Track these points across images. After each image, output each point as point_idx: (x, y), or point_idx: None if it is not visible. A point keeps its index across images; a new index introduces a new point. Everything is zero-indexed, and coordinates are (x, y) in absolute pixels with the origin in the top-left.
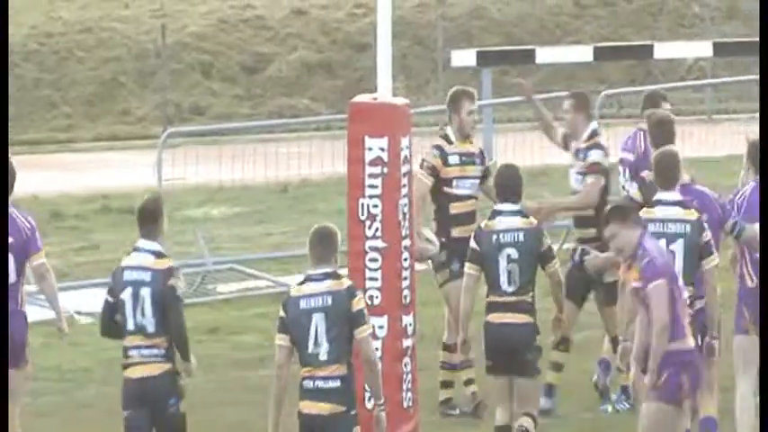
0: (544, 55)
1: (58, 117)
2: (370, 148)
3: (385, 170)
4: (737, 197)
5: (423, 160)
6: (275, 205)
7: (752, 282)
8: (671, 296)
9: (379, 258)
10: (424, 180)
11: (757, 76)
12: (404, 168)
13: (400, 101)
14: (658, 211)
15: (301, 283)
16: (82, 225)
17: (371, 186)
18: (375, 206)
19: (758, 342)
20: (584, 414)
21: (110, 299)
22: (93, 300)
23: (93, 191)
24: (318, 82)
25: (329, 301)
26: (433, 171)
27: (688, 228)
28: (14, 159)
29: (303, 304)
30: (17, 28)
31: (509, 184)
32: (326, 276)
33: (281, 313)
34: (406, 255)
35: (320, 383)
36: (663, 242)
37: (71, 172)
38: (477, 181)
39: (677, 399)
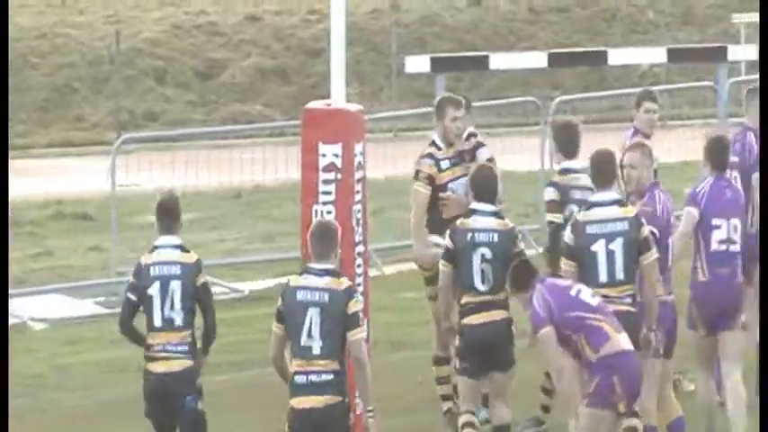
0: (498, 61)
1: (13, 123)
2: (323, 155)
3: (339, 176)
4: (699, 191)
5: (417, 171)
6: (229, 211)
7: (703, 276)
8: (565, 332)
9: None
10: (423, 191)
11: (711, 83)
12: (357, 174)
13: (354, 107)
14: (597, 213)
15: (301, 273)
16: (38, 231)
17: (325, 193)
18: (329, 212)
19: (707, 338)
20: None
21: (132, 297)
22: (47, 306)
23: (49, 197)
24: (272, 88)
25: (326, 299)
26: (431, 180)
27: (626, 225)
28: None
29: (300, 296)
30: None
31: (484, 185)
32: (326, 273)
33: (279, 302)
34: (359, 261)
35: (314, 378)
36: (602, 242)
37: (27, 178)
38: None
39: (610, 402)
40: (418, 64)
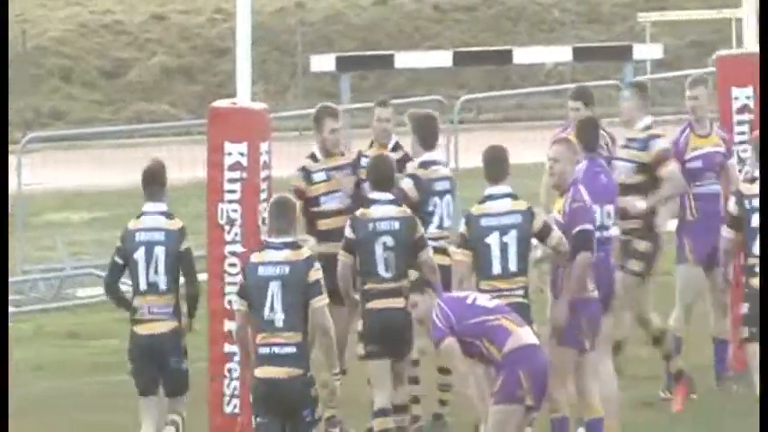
0: (403, 60)
1: None
2: (229, 153)
3: (244, 175)
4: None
5: (291, 185)
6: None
7: (692, 216)
8: (468, 340)
9: (238, 263)
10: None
11: (617, 81)
12: (263, 173)
13: (260, 106)
14: (490, 206)
15: (261, 249)
16: None
17: (231, 191)
18: (234, 211)
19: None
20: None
21: (118, 260)
22: None
23: None
24: (178, 87)
25: (286, 271)
26: (299, 194)
27: (519, 218)
28: None
29: (261, 271)
30: None
31: (381, 173)
32: (285, 246)
33: (240, 278)
34: None
35: (276, 350)
36: (496, 234)
37: None
38: (349, 191)
39: (517, 397)
40: (323, 63)
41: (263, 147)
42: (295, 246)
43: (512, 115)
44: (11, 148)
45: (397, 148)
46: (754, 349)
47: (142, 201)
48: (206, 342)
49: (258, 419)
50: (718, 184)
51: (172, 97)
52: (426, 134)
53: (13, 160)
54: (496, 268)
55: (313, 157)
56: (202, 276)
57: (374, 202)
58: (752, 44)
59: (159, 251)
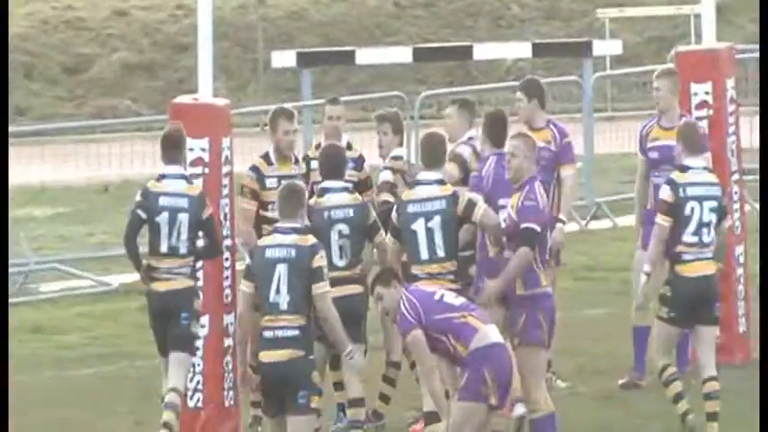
0: (364, 56)
1: None
2: (191, 149)
3: (206, 170)
4: (483, 175)
5: (242, 186)
6: (97, 205)
7: (651, 205)
8: (434, 335)
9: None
10: (248, 207)
11: (576, 77)
12: (225, 169)
13: (221, 101)
14: (419, 191)
15: (269, 233)
16: None
17: None
18: None
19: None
20: None
21: (142, 215)
22: None
23: None
24: (139, 83)
25: (293, 254)
26: (255, 195)
27: (444, 203)
28: None
29: (268, 253)
30: None
31: (333, 162)
32: (293, 231)
33: (248, 260)
34: (227, 254)
35: (279, 333)
36: (422, 221)
37: None
38: None
39: (481, 395)
40: (284, 59)
41: (225, 142)
42: (302, 231)
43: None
44: None
45: (349, 147)
46: (667, 331)
47: (103, 197)
48: None
49: (263, 403)
50: None
51: (133, 93)
52: (400, 131)
53: None
54: (424, 254)
55: (266, 157)
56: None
57: (327, 190)
58: (710, 40)
59: (183, 218)
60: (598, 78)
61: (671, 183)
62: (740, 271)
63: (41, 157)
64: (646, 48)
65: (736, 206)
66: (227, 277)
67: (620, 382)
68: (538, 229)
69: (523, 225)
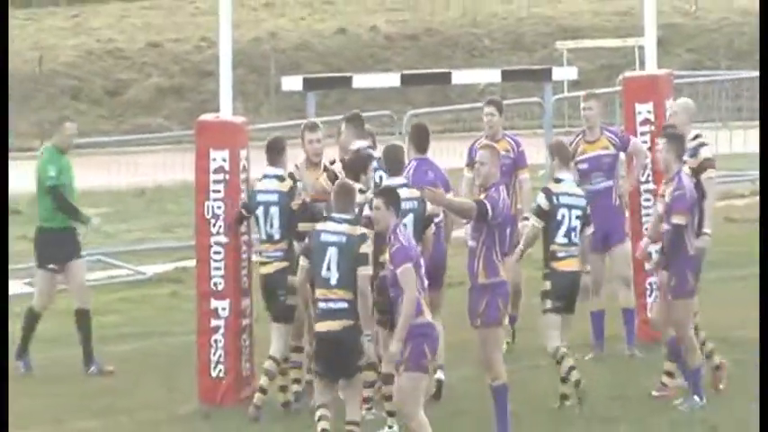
0: (359, 81)
1: None
2: (214, 159)
3: (226, 177)
4: (405, 174)
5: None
6: (134, 207)
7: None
8: (399, 287)
9: (222, 251)
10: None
11: (538, 99)
12: (242, 175)
13: (239, 119)
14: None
15: (326, 220)
16: None
17: (215, 191)
18: (218, 207)
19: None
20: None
21: (244, 213)
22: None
23: None
24: (170, 103)
25: (343, 240)
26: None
27: (415, 204)
28: None
29: (323, 237)
30: None
31: (272, 150)
32: (345, 221)
33: (307, 241)
34: (244, 248)
35: (332, 305)
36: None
37: None
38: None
39: (423, 367)
40: (292, 83)
41: (242, 153)
42: (353, 222)
43: (450, 127)
44: (30, 155)
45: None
46: (553, 320)
47: (140, 200)
48: (195, 318)
49: (318, 371)
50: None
51: (165, 112)
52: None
53: (33, 165)
54: (365, 247)
55: (300, 164)
56: (190, 263)
57: (265, 176)
58: (652, 67)
59: (274, 210)
60: (557, 100)
61: (547, 191)
62: None
63: (87, 166)
64: (598, 74)
65: None
66: (244, 267)
67: (587, 357)
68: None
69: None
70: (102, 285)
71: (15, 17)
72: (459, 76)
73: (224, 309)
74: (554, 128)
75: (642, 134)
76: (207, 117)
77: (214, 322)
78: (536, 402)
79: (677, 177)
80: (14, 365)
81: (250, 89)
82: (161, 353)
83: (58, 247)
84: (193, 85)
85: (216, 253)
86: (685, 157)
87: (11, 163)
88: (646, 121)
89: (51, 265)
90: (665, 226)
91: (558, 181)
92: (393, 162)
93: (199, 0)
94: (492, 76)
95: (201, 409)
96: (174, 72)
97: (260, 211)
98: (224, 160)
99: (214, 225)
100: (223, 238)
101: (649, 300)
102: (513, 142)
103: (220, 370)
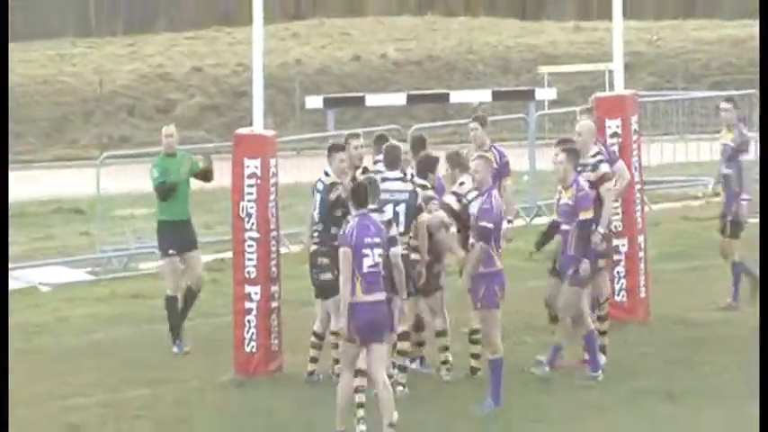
0: (372, 100)
1: (24, 145)
2: (248, 166)
3: (259, 182)
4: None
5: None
6: None
7: None
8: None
9: (255, 244)
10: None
11: (523, 115)
12: (272, 180)
13: (269, 132)
14: (387, 185)
15: (383, 180)
16: (44, 222)
17: (249, 194)
18: (252, 207)
19: None
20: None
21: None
22: (51, 274)
23: (52, 197)
24: (211, 119)
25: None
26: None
27: (407, 195)
28: None
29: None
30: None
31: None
32: (396, 179)
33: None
34: (273, 242)
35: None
36: (390, 206)
37: (36, 184)
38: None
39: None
40: (315, 102)
41: (272, 162)
42: (402, 179)
43: (449, 140)
44: (92, 163)
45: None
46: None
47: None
48: (231, 301)
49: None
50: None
51: (206, 126)
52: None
53: (93, 172)
54: (393, 230)
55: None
56: (228, 255)
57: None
58: (620, 88)
59: (400, 209)
60: (539, 116)
61: (457, 196)
62: (641, 254)
63: (140, 173)
64: (574, 94)
65: (638, 207)
66: (273, 258)
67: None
68: (491, 226)
69: (480, 224)
70: (154, 273)
71: (78, 45)
72: (457, 96)
73: (256, 293)
74: (537, 140)
75: (611, 145)
76: (242, 131)
77: (248, 305)
78: (521, 374)
79: (575, 183)
80: (171, 350)
81: (279, 107)
82: (202, 331)
83: (175, 236)
84: (230, 103)
85: (249, 246)
86: (587, 172)
87: (75, 170)
88: (614, 134)
89: (171, 251)
90: (566, 227)
91: (461, 184)
92: (392, 159)
93: (236, 31)
94: (484, 95)
95: (236, 378)
96: (214, 93)
97: (389, 208)
98: (256, 167)
99: (248, 222)
100: (255, 233)
101: (616, 286)
102: (497, 153)
103: (253, 346)
